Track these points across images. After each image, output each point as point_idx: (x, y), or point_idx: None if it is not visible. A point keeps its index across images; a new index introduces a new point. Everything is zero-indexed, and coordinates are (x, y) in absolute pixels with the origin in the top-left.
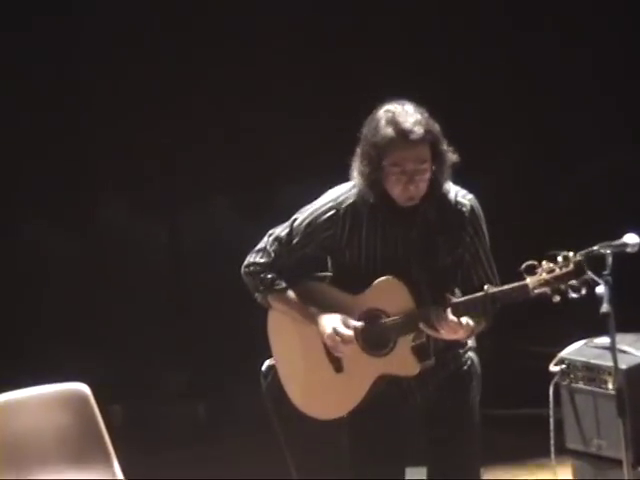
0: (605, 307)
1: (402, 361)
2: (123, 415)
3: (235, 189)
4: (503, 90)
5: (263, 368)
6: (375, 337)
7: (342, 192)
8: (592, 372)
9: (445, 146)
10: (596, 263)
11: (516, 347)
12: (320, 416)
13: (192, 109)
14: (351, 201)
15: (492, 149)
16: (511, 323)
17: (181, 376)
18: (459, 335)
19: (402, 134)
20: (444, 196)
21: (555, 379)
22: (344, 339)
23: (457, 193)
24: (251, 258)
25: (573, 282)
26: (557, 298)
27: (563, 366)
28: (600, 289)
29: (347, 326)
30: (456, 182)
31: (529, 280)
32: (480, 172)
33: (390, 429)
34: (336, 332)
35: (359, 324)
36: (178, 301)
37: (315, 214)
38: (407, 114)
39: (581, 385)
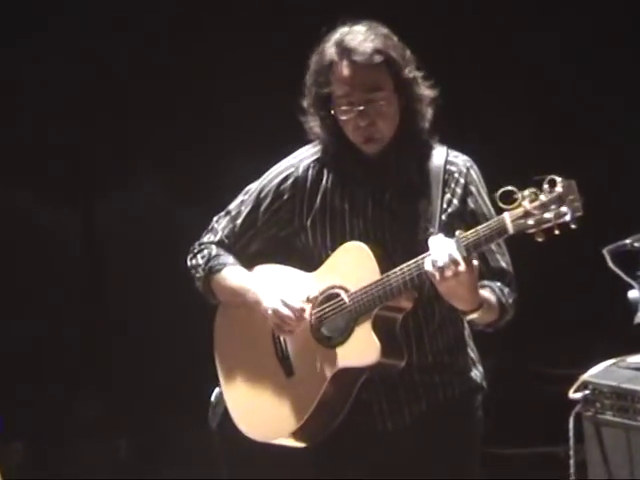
0: None
1: (361, 346)
2: (25, 454)
3: (166, 169)
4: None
5: (212, 397)
6: (331, 322)
7: (302, 151)
8: (624, 400)
9: (414, 75)
10: (629, 261)
11: (527, 368)
12: (271, 436)
13: (110, 75)
14: (313, 159)
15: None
16: (520, 337)
17: (97, 405)
18: (455, 290)
19: (343, 53)
20: (428, 150)
21: (576, 409)
22: (292, 311)
23: (448, 152)
24: (197, 241)
25: (562, 209)
26: (541, 235)
27: (586, 392)
28: (633, 293)
29: (293, 301)
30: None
31: (506, 213)
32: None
33: (358, 470)
34: (283, 303)
35: (312, 295)
36: (93, 310)
37: (269, 178)
38: (358, 32)
39: (609, 416)
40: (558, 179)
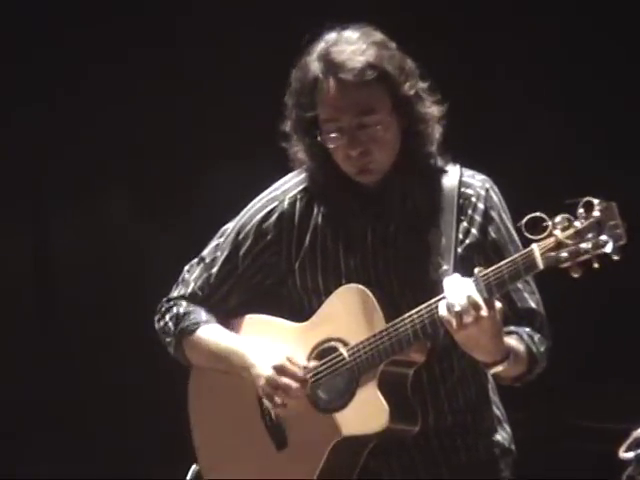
0: None
1: (365, 410)
2: None
3: (131, 183)
4: None
5: (188, 477)
6: (329, 382)
7: (286, 180)
8: None
9: (416, 90)
10: None
11: (567, 422)
12: None
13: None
14: (299, 189)
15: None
16: (556, 386)
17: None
18: (477, 339)
19: (329, 69)
20: (438, 173)
21: (628, 471)
22: (287, 383)
23: (462, 172)
24: (166, 297)
25: (601, 238)
26: (578, 270)
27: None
28: None
29: (293, 365)
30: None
31: (534, 244)
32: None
33: None
34: (279, 370)
35: (312, 364)
36: (44, 346)
37: (248, 215)
38: (346, 41)
39: None
40: (595, 201)
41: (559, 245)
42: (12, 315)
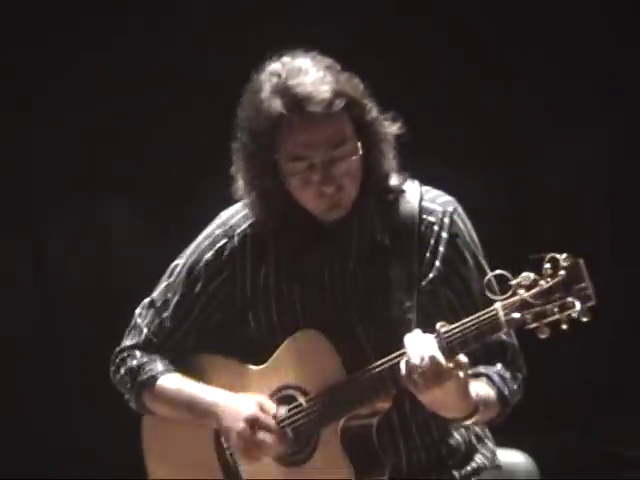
0: None
1: (328, 466)
2: None
3: (130, 189)
4: None
5: None
6: (290, 434)
7: (232, 214)
8: None
9: (375, 110)
10: None
11: (599, 449)
12: None
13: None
14: (249, 224)
15: None
16: (589, 411)
17: None
18: (443, 400)
19: (297, 106)
20: (398, 200)
21: None
22: (263, 439)
23: (423, 195)
24: (119, 346)
25: (568, 299)
26: (545, 331)
27: None
28: None
29: (266, 412)
30: None
31: (498, 304)
32: None
33: None
34: (253, 423)
35: (280, 411)
36: (44, 374)
37: (198, 252)
38: (302, 71)
39: None
40: (561, 258)
41: (524, 305)
42: (11, 325)
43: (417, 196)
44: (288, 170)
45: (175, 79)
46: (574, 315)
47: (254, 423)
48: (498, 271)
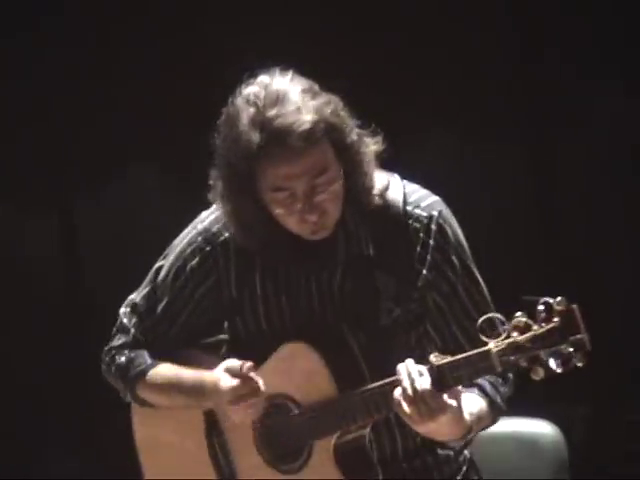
0: None
1: (322, 478)
2: None
3: (159, 156)
4: None
5: None
6: (281, 441)
7: (218, 217)
8: None
9: (354, 132)
10: None
11: (626, 420)
12: None
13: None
14: (228, 233)
15: None
16: (617, 380)
17: (72, 462)
18: (437, 429)
19: (276, 139)
20: (381, 207)
21: None
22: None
23: (406, 199)
24: (107, 346)
25: (561, 347)
26: (539, 372)
27: None
28: None
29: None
30: None
31: (492, 345)
32: None
33: None
34: (228, 372)
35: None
36: (74, 342)
37: (183, 257)
38: (279, 99)
39: None
40: (554, 302)
41: (518, 348)
42: (41, 300)
43: (401, 200)
44: (269, 200)
45: (205, 49)
46: (569, 362)
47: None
48: (490, 314)
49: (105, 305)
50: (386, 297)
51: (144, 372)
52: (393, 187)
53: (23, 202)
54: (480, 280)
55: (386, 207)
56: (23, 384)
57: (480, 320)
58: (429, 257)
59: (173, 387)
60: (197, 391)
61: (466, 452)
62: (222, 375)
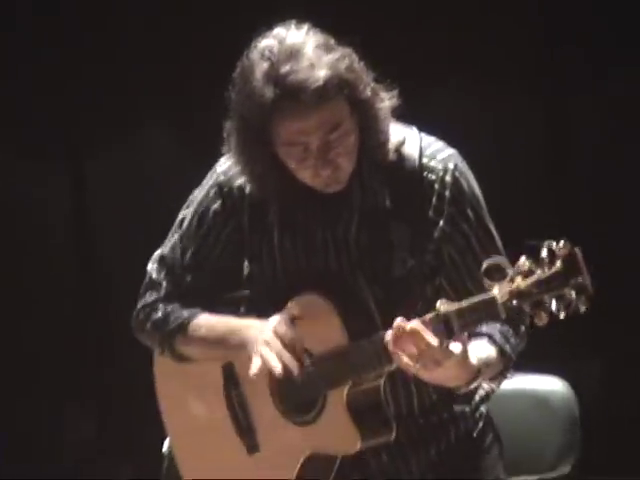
0: None
1: (335, 431)
2: None
3: (172, 114)
4: None
5: (164, 448)
6: (296, 393)
7: (231, 163)
8: None
9: (369, 87)
10: None
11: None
12: None
13: None
14: (244, 180)
15: None
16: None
17: (89, 422)
18: (444, 375)
19: (290, 95)
20: (397, 160)
21: None
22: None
23: (422, 152)
24: (139, 305)
25: (565, 290)
26: (543, 317)
27: None
28: None
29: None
30: None
31: (496, 291)
32: None
33: None
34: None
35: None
36: (85, 302)
37: (205, 202)
38: (293, 54)
39: None
40: (558, 246)
41: (521, 294)
42: (50, 255)
43: (417, 152)
44: (283, 154)
45: (218, 11)
46: (571, 305)
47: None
48: (495, 259)
49: (113, 260)
50: (401, 248)
51: (183, 325)
52: (409, 140)
53: (34, 155)
54: (495, 235)
55: (402, 160)
56: (33, 342)
57: (485, 265)
58: (445, 209)
59: (214, 340)
60: (238, 345)
61: (482, 408)
62: (268, 331)
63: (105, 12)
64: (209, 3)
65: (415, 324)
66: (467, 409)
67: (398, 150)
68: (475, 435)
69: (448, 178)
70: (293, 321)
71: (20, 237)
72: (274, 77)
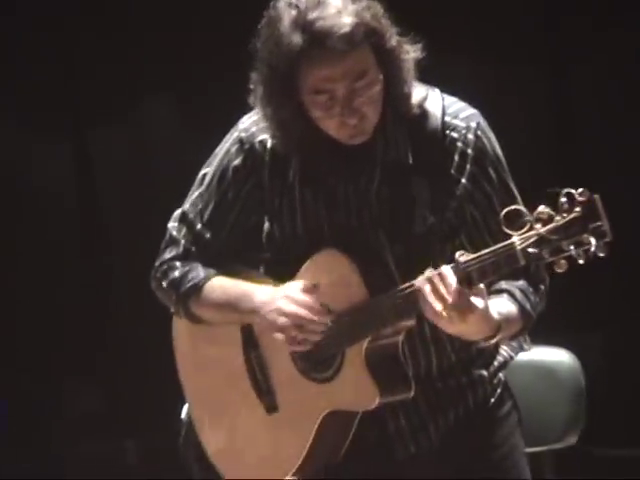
0: None
1: (353, 386)
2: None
3: (174, 90)
4: None
5: (183, 414)
6: (315, 350)
7: (256, 120)
8: None
9: (395, 37)
10: None
11: None
12: None
13: None
14: (266, 136)
15: None
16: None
17: (93, 396)
18: (467, 329)
19: (317, 41)
20: (420, 116)
21: None
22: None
23: (445, 110)
24: (157, 261)
25: (584, 236)
26: (562, 264)
27: None
28: None
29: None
30: None
31: (515, 238)
32: None
33: None
34: (291, 300)
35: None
36: (89, 282)
37: (227, 158)
38: (320, 2)
39: None
40: (577, 193)
41: (541, 240)
42: (55, 230)
43: (439, 111)
44: (309, 102)
45: None
46: (591, 250)
47: (291, 299)
48: (514, 206)
49: (118, 232)
50: (421, 205)
51: (197, 286)
52: (432, 98)
53: (38, 129)
54: (517, 195)
55: (425, 116)
56: (36, 310)
57: (503, 212)
58: (467, 167)
59: (226, 304)
60: (250, 311)
61: (501, 375)
62: (282, 298)
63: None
64: None
65: (444, 268)
66: (485, 374)
67: (421, 106)
68: (493, 401)
69: (471, 136)
70: (314, 287)
71: (23, 215)
72: (301, 24)
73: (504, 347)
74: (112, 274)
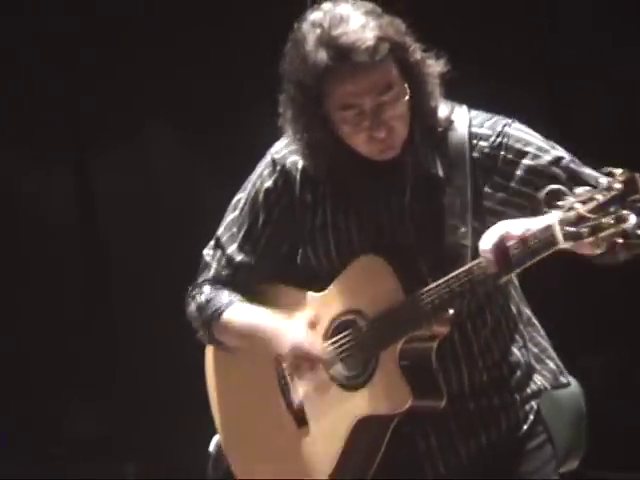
0: None
1: (386, 389)
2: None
3: (175, 113)
4: None
5: (211, 447)
6: (349, 359)
7: (285, 144)
8: None
9: (419, 51)
10: None
11: None
12: None
13: None
14: (297, 157)
15: None
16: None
17: (97, 422)
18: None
19: (342, 56)
20: (447, 130)
21: None
22: (310, 357)
23: (471, 121)
24: (191, 285)
25: (623, 212)
26: (601, 245)
27: None
28: None
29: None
30: None
31: (555, 217)
32: None
33: None
34: (300, 349)
35: (325, 345)
36: (90, 304)
37: (258, 182)
38: (344, 20)
39: None
40: (617, 172)
41: (580, 219)
42: (56, 254)
43: (466, 123)
44: (338, 118)
45: (224, 8)
46: (630, 226)
47: (298, 351)
48: (554, 186)
49: (119, 258)
50: (452, 215)
51: (220, 312)
52: (458, 111)
53: (40, 156)
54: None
55: (452, 128)
56: (36, 331)
57: (544, 192)
58: (508, 168)
59: (243, 334)
60: (264, 344)
61: (533, 403)
62: (293, 340)
63: (109, 12)
64: (212, 2)
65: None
66: (517, 398)
67: (448, 119)
68: (525, 429)
69: (501, 139)
70: (312, 326)
71: (26, 237)
72: (326, 41)
73: (538, 376)
74: (112, 296)
